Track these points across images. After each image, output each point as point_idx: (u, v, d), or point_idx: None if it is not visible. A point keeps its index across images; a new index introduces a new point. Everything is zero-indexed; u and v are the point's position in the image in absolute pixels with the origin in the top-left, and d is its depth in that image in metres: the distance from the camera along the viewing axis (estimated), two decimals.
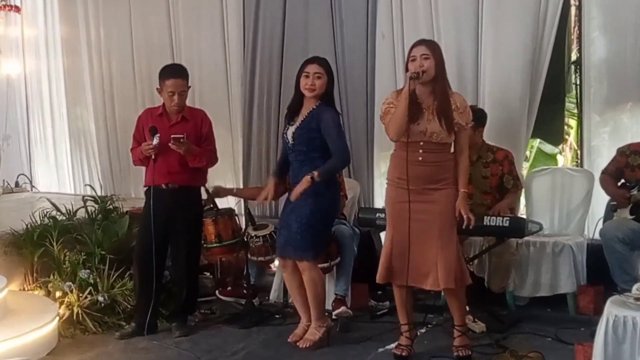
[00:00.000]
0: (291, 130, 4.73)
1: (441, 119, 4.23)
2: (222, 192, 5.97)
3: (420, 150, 4.27)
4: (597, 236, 5.26)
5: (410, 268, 4.31)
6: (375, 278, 4.50)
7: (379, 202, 6.04)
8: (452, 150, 4.39)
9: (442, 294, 5.13)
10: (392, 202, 4.43)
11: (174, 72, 5.05)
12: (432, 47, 4.32)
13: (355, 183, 6.10)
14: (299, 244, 4.67)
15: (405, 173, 4.26)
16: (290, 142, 4.73)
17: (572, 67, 6.10)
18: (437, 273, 4.25)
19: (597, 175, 5.37)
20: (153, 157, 4.96)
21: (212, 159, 5.19)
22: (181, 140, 4.86)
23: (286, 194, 4.96)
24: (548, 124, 6.08)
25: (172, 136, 4.86)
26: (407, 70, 4.30)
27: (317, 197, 4.64)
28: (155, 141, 4.91)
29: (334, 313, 5.12)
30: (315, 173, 4.53)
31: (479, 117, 5.29)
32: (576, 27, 5.95)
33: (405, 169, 4.25)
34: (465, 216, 4.29)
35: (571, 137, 6.87)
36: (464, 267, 4.43)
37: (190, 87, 5.16)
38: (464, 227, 4.32)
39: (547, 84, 5.69)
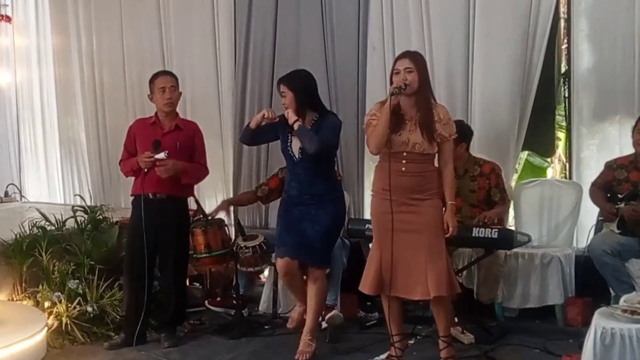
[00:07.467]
0: (296, 144, 4.71)
1: (423, 130, 4.24)
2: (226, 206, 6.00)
3: (404, 161, 4.27)
4: (584, 247, 5.28)
5: (397, 279, 4.31)
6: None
7: (369, 213, 6.03)
8: (435, 161, 4.40)
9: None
10: (378, 214, 4.42)
11: (162, 71, 5.29)
12: (416, 60, 4.30)
13: (345, 194, 6.09)
14: (319, 253, 4.70)
15: (389, 184, 4.27)
16: (297, 156, 4.69)
17: (562, 79, 6.13)
18: (427, 282, 4.24)
19: (585, 187, 5.39)
20: (146, 170, 4.97)
21: (204, 173, 5.24)
22: (165, 155, 4.91)
23: (278, 199, 5.04)
24: (538, 136, 6.08)
25: (156, 161, 4.88)
26: (391, 82, 4.30)
27: (336, 206, 4.73)
28: (162, 155, 4.92)
29: (326, 317, 5.12)
30: (299, 123, 4.57)
31: (463, 132, 5.28)
32: (565, 39, 5.97)
33: (389, 179, 4.27)
34: (451, 229, 4.30)
35: (559, 149, 6.88)
36: (453, 275, 4.42)
37: (181, 93, 5.21)
38: (445, 237, 4.33)
39: (537, 96, 5.70)
